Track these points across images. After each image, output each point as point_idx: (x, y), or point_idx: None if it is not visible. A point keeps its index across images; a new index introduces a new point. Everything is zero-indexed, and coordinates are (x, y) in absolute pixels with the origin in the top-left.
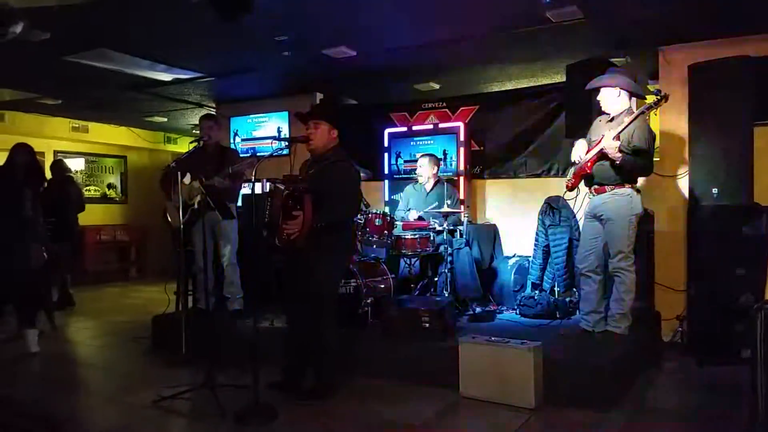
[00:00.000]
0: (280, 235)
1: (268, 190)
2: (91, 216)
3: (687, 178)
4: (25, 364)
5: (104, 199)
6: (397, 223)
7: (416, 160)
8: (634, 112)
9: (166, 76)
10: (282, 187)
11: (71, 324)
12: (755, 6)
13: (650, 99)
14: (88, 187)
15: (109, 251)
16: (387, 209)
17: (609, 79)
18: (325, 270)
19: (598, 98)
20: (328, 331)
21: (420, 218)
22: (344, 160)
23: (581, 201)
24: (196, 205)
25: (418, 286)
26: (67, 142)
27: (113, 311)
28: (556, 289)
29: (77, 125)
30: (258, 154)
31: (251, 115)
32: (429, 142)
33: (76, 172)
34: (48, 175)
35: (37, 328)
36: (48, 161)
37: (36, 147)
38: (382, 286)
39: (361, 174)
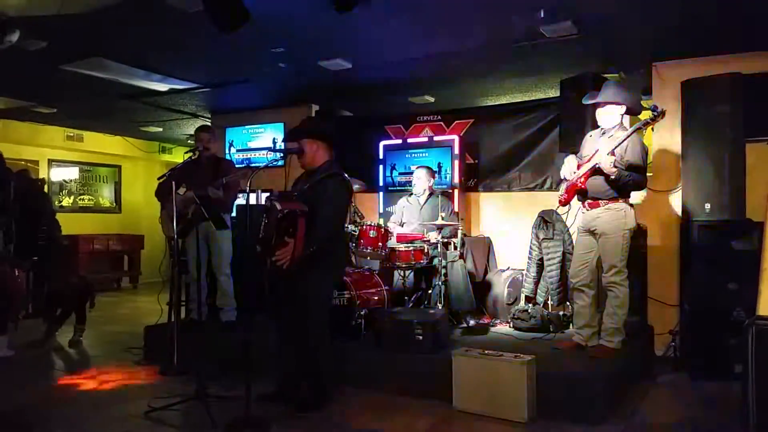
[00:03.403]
0: (270, 259)
1: (266, 205)
2: (84, 225)
3: (680, 193)
4: (14, 372)
5: (98, 208)
6: (391, 234)
7: (411, 173)
8: (625, 127)
9: (161, 86)
10: (279, 207)
11: (63, 333)
12: (747, 24)
13: (646, 114)
14: (81, 196)
15: (102, 260)
16: (381, 221)
17: (616, 95)
18: (316, 283)
19: (598, 111)
20: (320, 344)
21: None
22: (337, 174)
23: (575, 215)
24: (190, 215)
25: (412, 299)
26: (61, 151)
27: (106, 321)
28: (549, 302)
29: (72, 134)
30: (253, 164)
31: (247, 126)
32: (424, 154)
33: (70, 180)
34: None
35: (5, 335)
36: (42, 170)
37: (30, 155)
38: (376, 298)
39: (354, 186)
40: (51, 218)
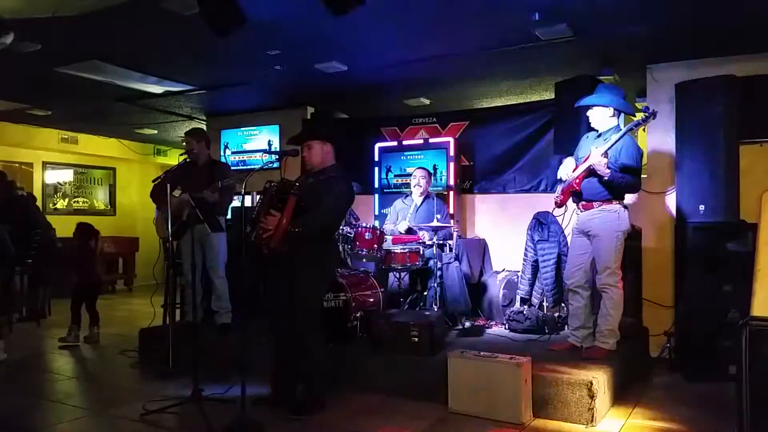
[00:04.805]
0: (258, 232)
1: (265, 187)
2: None
3: (674, 195)
4: (8, 375)
5: (92, 210)
6: (386, 236)
7: (406, 175)
8: (621, 129)
9: (157, 89)
10: (274, 185)
11: (58, 335)
12: (741, 27)
13: (638, 116)
14: (76, 199)
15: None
16: (377, 223)
17: (601, 97)
18: (308, 283)
19: (588, 114)
20: (315, 345)
21: (409, 229)
22: (342, 177)
23: (569, 216)
24: (185, 218)
25: (407, 300)
26: (55, 153)
27: (101, 323)
28: (544, 304)
29: (66, 136)
30: (248, 167)
31: (242, 128)
32: (419, 156)
33: (65, 183)
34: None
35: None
36: (36, 172)
37: (24, 158)
38: (372, 300)
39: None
40: (44, 226)
